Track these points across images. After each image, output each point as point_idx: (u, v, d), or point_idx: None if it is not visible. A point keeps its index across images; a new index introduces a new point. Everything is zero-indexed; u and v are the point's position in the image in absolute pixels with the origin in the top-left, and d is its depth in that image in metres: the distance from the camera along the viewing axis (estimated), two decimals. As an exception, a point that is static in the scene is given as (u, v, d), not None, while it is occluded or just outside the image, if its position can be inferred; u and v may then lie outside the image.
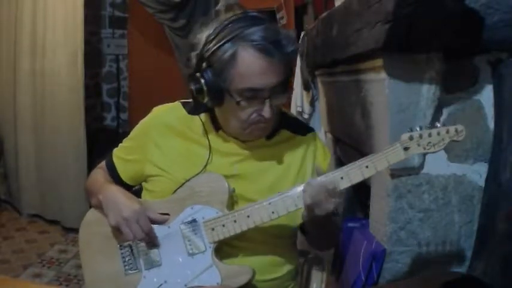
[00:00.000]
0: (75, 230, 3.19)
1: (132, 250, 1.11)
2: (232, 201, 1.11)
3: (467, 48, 1.27)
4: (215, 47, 1.02)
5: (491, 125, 1.31)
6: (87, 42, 3.59)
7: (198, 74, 1.05)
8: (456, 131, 1.02)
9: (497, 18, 1.20)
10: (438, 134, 1.02)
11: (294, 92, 2.91)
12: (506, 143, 1.22)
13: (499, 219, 1.21)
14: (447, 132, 1.02)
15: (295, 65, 1.14)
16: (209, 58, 1.03)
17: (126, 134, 1.31)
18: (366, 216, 1.64)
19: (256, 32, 1.00)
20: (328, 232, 1.20)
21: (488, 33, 1.20)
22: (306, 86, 2.67)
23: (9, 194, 3.72)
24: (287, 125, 1.20)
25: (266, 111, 1.04)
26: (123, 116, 4.49)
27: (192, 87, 1.06)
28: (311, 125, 2.83)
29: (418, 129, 1.03)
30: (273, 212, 1.04)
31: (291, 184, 1.12)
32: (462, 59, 1.30)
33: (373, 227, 1.51)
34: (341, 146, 2.12)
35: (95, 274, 1.14)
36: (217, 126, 1.16)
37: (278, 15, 4.36)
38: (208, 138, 1.14)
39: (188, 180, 1.11)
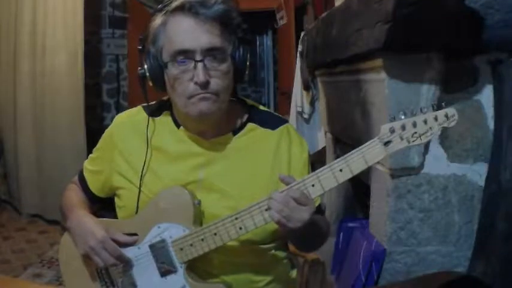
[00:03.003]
0: (75, 230, 3.20)
1: (108, 272, 1.09)
2: (200, 214, 1.03)
3: (467, 48, 1.27)
4: (150, 25, 1.01)
5: (491, 125, 1.31)
6: (87, 42, 3.59)
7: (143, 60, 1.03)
8: (446, 116, 0.84)
9: (497, 18, 1.20)
10: (425, 122, 0.84)
11: (294, 92, 2.92)
12: (506, 143, 1.22)
13: (499, 219, 1.21)
14: (435, 119, 0.85)
15: (237, 34, 1.02)
16: (147, 38, 1.02)
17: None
18: (366, 216, 1.64)
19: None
20: (314, 235, 1.09)
21: (488, 33, 1.20)
22: (306, 86, 2.67)
23: (9, 193, 3.71)
24: (255, 118, 1.10)
25: (199, 75, 0.95)
26: (123, 116, 4.49)
27: (139, 72, 1.04)
28: (311, 125, 2.85)
29: (402, 117, 0.85)
30: (240, 228, 0.95)
31: (263, 184, 1.04)
32: (462, 59, 1.30)
33: (373, 227, 1.51)
34: (341, 146, 2.12)
35: None
36: (178, 123, 1.10)
37: (278, 15, 4.36)
38: (147, 136, 1.08)
39: (152, 198, 1.05)
